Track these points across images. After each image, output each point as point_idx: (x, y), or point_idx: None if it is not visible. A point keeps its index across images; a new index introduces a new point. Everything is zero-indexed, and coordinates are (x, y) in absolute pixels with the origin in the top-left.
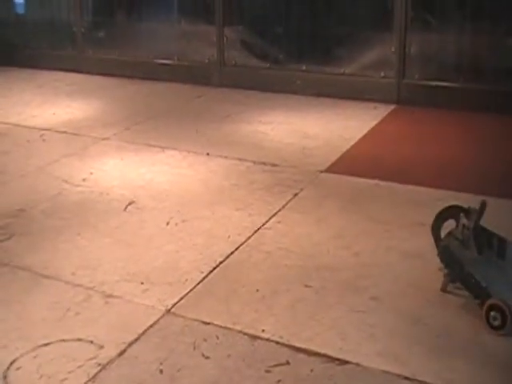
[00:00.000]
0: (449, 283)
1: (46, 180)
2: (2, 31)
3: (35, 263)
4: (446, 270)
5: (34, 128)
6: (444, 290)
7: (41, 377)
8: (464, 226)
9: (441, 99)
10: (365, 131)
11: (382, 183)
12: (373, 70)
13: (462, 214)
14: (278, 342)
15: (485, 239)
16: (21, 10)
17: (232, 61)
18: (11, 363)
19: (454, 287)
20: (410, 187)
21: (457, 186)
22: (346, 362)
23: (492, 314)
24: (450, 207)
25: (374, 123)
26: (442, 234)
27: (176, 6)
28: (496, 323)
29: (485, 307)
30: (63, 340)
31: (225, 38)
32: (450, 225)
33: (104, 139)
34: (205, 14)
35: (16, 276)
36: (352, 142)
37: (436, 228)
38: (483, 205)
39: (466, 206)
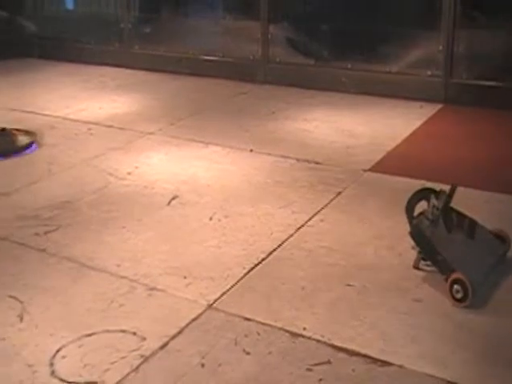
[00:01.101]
0: (420, 260)
1: (93, 173)
2: (53, 26)
3: (81, 254)
4: (418, 248)
5: (82, 121)
6: (416, 266)
7: (85, 366)
8: (434, 206)
9: (489, 99)
10: (410, 130)
11: (428, 184)
12: (419, 69)
13: (432, 196)
14: (319, 341)
15: (455, 220)
16: (70, 6)
17: (276, 58)
18: (57, 351)
19: (425, 264)
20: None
21: (505, 189)
22: (388, 364)
23: (455, 287)
24: (423, 189)
25: (419, 123)
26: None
27: (221, 2)
28: (459, 296)
29: (449, 281)
30: (107, 331)
31: (269, 35)
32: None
33: (149, 134)
34: (250, 10)
35: (62, 266)
36: (397, 142)
37: (409, 209)
38: (453, 188)
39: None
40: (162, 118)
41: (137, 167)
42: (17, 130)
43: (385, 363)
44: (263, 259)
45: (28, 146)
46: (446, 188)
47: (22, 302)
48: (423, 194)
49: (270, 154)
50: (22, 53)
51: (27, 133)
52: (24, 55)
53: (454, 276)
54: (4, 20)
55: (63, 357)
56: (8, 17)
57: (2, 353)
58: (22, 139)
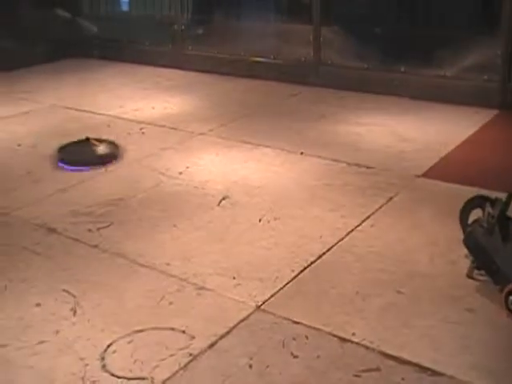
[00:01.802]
0: (474, 269)
1: (144, 171)
2: (109, 27)
3: (132, 251)
4: (471, 257)
5: (135, 121)
6: (470, 276)
7: (135, 361)
8: (489, 214)
9: None
10: (465, 136)
11: (483, 191)
12: (475, 73)
13: (487, 204)
14: (367, 347)
15: (511, 229)
16: (125, 8)
17: (328, 60)
18: (108, 346)
19: (479, 274)
20: None
21: None
22: (439, 374)
23: (511, 298)
24: (477, 197)
25: (474, 129)
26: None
27: (273, 4)
28: None
29: (504, 292)
30: (157, 328)
31: (321, 38)
32: None
33: (200, 134)
34: (302, 13)
35: (114, 262)
36: (451, 147)
37: (463, 217)
38: (510, 196)
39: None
40: (213, 118)
41: (188, 167)
42: (99, 140)
43: (435, 373)
44: (312, 262)
45: (110, 159)
46: (501, 196)
47: (74, 296)
48: (478, 201)
49: (320, 157)
50: (81, 53)
51: (110, 143)
52: (84, 55)
53: (510, 287)
54: (66, 20)
55: (114, 352)
56: (68, 17)
57: (55, 345)
58: (103, 150)
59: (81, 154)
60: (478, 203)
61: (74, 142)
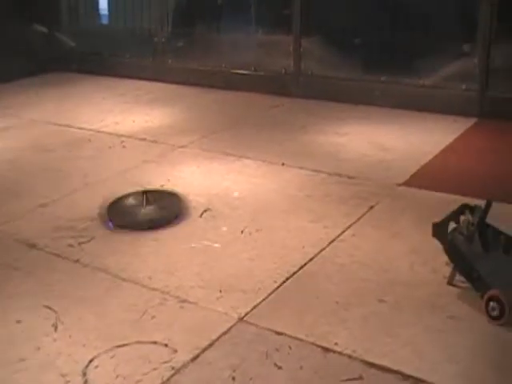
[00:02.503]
0: (455, 277)
1: (126, 185)
2: (89, 41)
3: (114, 265)
4: (452, 264)
5: (116, 134)
6: (450, 283)
7: (117, 376)
8: (469, 222)
9: None
10: (444, 145)
11: (462, 199)
12: (454, 82)
13: (467, 211)
14: (350, 356)
15: (490, 236)
16: (105, 21)
17: (309, 71)
18: (90, 361)
19: (460, 281)
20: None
21: None
22: (422, 382)
23: (491, 304)
24: (461, 206)
25: (453, 137)
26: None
27: (254, 16)
28: (494, 313)
29: (485, 298)
30: (139, 342)
31: (301, 49)
32: None
33: (181, 147)
34: (282, 24)
35: (96, 277)
36: (431, 156)
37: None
38: (489, 203)
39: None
40: (194, 131)
41: (169, 180)
42: (158, 192)
43: (419, 381)
44: (294, 273)
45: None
46: (481, 203)
47: (56, 312)
48: (459, 210)
49: (301, 168)
50: (62, 67)
51: (170, 194)
52: (64, 69)
53: (490, 293)
54: (43, 35)
55: (96, 367)
56: (47, 32)
57: (36, 362)
58: (160, 210)
59: (134, 214)
60: (460, 211)
61: (128, 196)
